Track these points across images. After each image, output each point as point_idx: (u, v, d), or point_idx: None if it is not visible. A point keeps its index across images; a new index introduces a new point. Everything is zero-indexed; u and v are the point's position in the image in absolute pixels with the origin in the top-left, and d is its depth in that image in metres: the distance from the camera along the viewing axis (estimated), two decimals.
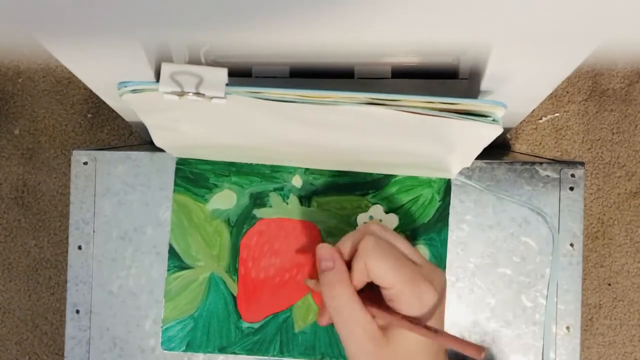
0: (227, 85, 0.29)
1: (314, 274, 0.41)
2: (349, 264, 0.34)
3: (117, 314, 0.42)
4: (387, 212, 0.41)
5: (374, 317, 0.32)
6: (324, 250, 0.34)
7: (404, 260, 0.32)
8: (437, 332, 0.30)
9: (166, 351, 0.42)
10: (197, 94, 0.29)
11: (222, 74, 0.29)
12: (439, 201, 0.41)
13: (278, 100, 0.29)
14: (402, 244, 0.34)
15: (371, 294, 0.34)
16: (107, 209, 0.42)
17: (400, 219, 0.41)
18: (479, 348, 0.29)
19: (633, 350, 0.73)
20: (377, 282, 0.32)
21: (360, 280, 0.33)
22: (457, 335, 0.41)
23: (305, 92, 0.29)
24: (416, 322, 0.31)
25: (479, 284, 0.41)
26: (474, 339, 0.41)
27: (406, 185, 0.41)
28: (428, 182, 0.41)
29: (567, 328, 0.40)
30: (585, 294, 0.73)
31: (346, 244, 0.34)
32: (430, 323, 0.31)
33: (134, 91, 0.30)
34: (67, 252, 0.42)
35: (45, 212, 0.76)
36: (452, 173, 0.40)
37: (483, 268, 0.41)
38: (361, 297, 0.33)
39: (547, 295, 0.40)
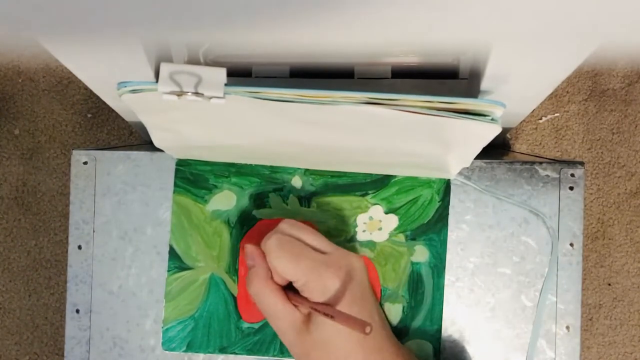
0: (225, 85, 0.29)
1: None
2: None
3: (117, 313, 0.42)
4: (386, 213, 0.41)
5: (297, 306, 0.35)
6: (247, 249, 0.37)
7: (306, 252, 0.34)
8: (327, 313, 0.32)
9: (166, 351, 0.42)
10: (196, 93, 0.29)
11: (221, 73, 0.29)
12: (439, 201, 0.41)
13: (277, 100, 0.29)
14: (308, 236, 0.36)
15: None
16: (107, 209, 0.42)
17: (399, 220, 0.41)
18: (364, 323, 0.30)
19: (633, 350, 0.73)
20: (285, 277, 0.34)
21: (277, 277, 0.35)
22: (457, 336, 0.41)
23: (303, 91, 0.29)
24: (320, 306, 0.33)
25: (478, 284, 0.41)
26: (474, 338, 0.41)
27: (406, 185, 0.41)
28: (428, 183, 0.41)
29: (567, 328, 0.40)
30: (585, 294, 0.73)
31: (263, 242, 0.37)
32: (342, 304, 0.33)
33: (133, 91, 0.30)
34: (67, 252, 0.43)
35: (45, 212, 0.76)
36: (452, 173, 0.40)
37: (483, 268, 0.41)
38: (287, 288, 0.35)
39: (540, 292, 0.40)
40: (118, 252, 0.42)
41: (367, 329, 0.30)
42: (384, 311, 0.41)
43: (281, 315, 0.35)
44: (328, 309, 0.32)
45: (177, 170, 0.42)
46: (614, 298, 0.73)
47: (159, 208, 0.42)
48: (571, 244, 0.41)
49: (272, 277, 0.35)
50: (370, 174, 0.42)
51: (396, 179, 0.41)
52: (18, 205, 0.77)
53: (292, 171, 0.42)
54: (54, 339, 0.77)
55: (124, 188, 0.42)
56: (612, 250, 0.73)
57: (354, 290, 0.34)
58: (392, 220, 0.41)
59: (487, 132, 0.31)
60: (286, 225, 0.36)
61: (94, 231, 0.42)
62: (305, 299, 0.34)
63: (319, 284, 0.34)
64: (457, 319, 0.41)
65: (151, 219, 0.42)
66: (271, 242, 0.34)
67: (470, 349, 0.41)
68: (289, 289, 0.35)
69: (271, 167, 0.42)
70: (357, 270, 0.35)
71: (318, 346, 0.34)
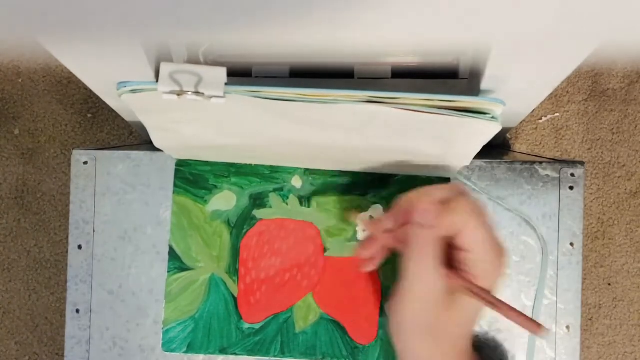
0: (226, 84, 0.29)
1: (314, 274, 0.41)
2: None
3: (117, 313, 0.42)
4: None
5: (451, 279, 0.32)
6: (427, 206, 0.32)
7: (493, 230, 0.32)
8: (502, 303, 0.30)
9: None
10: (196, 93, 0.29)
11: (221, 73, 0.29)
12: None
13: (277, 99, 0.29)
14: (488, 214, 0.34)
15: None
16: (107, 209, 0.42)
17: None
18: (541, 326, 0.29)
19: (633, 350, 0.73)
20: (463, 244, 0.32)
21: (439, 237, 0.32)
22: None
23: (304, 90, 0.29)
24: (485, 290, 0.31)
25: None
26: (474, 338, 0.41)
27: (406, 185, 0.41)
28: (428, 182, 0.41)
29: (567, 328, 0.40)
30: (585, 294, 0.73)
31: (431, 196, 0.33)
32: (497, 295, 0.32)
33: (133, 91, 0.30)
34: (67, 252, 0.43)
35: (45, 212, 0.76)
36: (452, 172, 0.40)
37: None
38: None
39: (535, 295, 0.40)
40: (118, 252, 0.42)
41: (542, 331, 0.29)
42: (385, 311, 0.41)
43: (431, 279, 0.31)
44: (504, 304, 0.30)
45: (176, 171, 0.42)
46: (614, 298, 0.73)
47: (159, 208, 0.42)
48: (571, 244, 0.41)
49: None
50: (371, 173, 0.42)
51: (396, 178, 0.41)
52: (18, 205, 0.77)
53: (292, 171, 0.42)
54: (54, 339, 0.77)
55: (124, 188, 0.42)
56: (612, 250, 0.73)
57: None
58: None
59: (487, 130, 0.31)
60: (469, 191, 0.34)
61: (94, 231, 0.42)
62: (466, 278, 0.32)
63: (491, 267, 0.32)
64: None
65: (151, 218, 0.42)
66: (470, 206, 0.32)
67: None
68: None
69: (271, 167, 0.42)
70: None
71: (446, 326, 0.32)
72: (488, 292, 0.31)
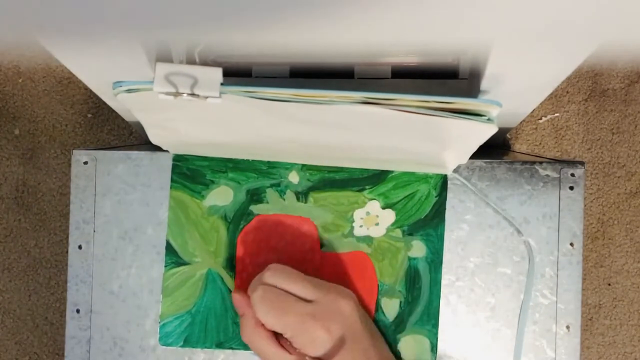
0: (222, 84, 0.29)
1: (310, 270, 0.41)
2: None
3: (117, 313, 0.42)
4: (383, 208, 0.41)
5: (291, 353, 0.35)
6: (235, 299, 0.38)
7: (291, 305, 0.35)
8: None
9: (165, 347, 0.42)
10: (192, 94, 0.29)
11: (217, 73, 0.29)
12: (436, 197, 0.41)
13: (272, 100, 0.29)
14: (294, 284, 0.36)
15: None
16: (107, 209, 0.42)
17: (396, 215, 0.41)
18: None
19: (633, 350, 0.73)
20: (273, 330, 0.35)
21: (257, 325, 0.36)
22: (457, 336, 0.41)
23: (299, 91, 0.29)
24: None
25: (479, 284, 0.41)
26: (474, 337, 0.41)
27: (403, 180, 0.41)
28: (424, 178, 0.41)
29: (567, 327, 0.40)
30: (585, 294, 0.73)
31: (251, 288, 0.37)
32: (334, 354, 0.34)
33: (128, 91, 0.30)
34: (67, 252, 0.43)
35: (45, 212, 0.76)
36: (448, 169, 0.40)
37: (483, 267, 0.41)
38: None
39: (523, 294, 0.41)
40: (118, 252, 0.42)
41: None
42: (381, 308, 0.41)
43: (275, 359, 0.35)
44: None
45: (174, 166, 0.42)
46: (614, 298, 0.73)
47: (159, 208, 0.42)
48: (571, 244, 0.41)
49: (262, 324, 0.36)
50: (367, 169, 0.42)
51: (393, 174, 0.42)
52: (18, 205, 0.77)
53: (289, 166, 0.42)
54: (54, 339, 0.77)
55: (124, 188, 0.42)
56: (612, 250, 0.73)
57: (345, 337, 0.35)
58: (389, 216, 0.41)
59: (483, 132, 0.31)
60: (270, 273, 0.36)
61: (94, 231, 0.42)
62: (296, 351, 0.35)
63: (307, 337, 0.34)
64: (457, 319, 0.41)
65: (151, 218, 0.42)
66: (256, 296, 0.35)
67: (471, 348, 0.41)
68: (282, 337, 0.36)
69: (268, 162, 0.42)
70: (347, 315, 0.36)
71: None
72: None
